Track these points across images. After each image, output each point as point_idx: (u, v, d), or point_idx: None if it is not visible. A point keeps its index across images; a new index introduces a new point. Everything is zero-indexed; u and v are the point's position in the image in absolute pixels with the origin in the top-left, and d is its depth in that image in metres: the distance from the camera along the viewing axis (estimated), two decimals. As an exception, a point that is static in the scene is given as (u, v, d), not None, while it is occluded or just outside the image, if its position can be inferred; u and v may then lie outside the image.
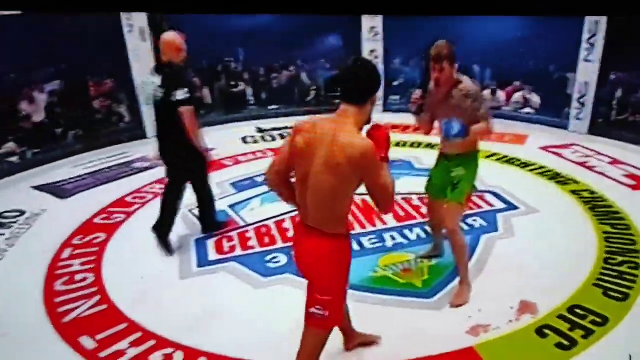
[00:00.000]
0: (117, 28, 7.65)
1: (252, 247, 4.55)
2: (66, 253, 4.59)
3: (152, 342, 3.38)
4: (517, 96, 8.98)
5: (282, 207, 5.22)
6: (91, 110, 8.23)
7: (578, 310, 3.52)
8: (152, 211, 5.35)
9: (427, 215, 4.19)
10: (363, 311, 3.58)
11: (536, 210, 5.07)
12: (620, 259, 4.12)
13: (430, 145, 6.98)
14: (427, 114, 3.66)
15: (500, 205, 5.20)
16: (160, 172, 6.46)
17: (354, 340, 3.26)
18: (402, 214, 5.05)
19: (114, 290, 4.00)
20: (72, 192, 6.02)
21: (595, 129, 7.53)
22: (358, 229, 4.77)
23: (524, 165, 6.38)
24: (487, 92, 9.12)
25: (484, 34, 8.60)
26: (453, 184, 3.58)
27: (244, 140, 7.83)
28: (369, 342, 3.30)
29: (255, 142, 7.78)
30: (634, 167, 6.09)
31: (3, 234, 4.98)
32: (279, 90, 9.97)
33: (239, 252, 4.49)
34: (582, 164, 6.32)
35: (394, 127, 8.28)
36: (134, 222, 5.20)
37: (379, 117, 8.83)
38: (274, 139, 7.87)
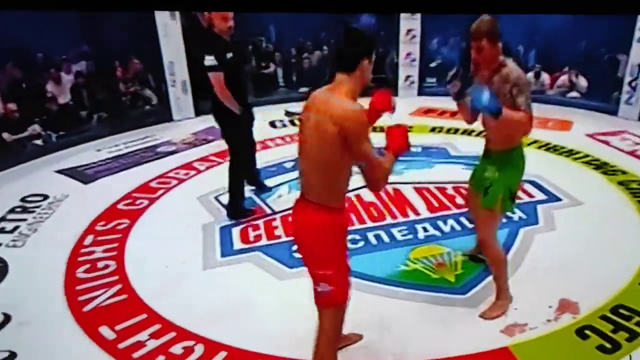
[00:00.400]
0: (145, 6, 7.67)
1: (278, 237, 4.54)
2: (88, 239, 4.65)
3: (172, 334, 3.40)
4: (563, 79, 8.79)
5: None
6: (117, 92, 8.30)
7: (622, 311, 3.42)
8: (177, 197, 5.42)
9: (467, 207, 4.04)
10: (393, 306, 3.56)
11: (580, 202, 4.94)
12: (670, 256, 3.99)
13: (467, 132, 6.88)
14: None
15: (541, 196, 5.09)
16: (186, 157, 6.57)
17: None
18: (435, 204, 4.98)
19: (136, 279, 4.03)
20: (96, 177, 6.10)
21: (647, 115, 7.33)
22: (389, 219, 4.73)
23: (568, 153, 6.23)
24: (530, 75, 8.93)
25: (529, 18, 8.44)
26: (485, 188, 3.28)
27: (273, 124, 7.81)
28: (351, 342, 3.26)
29: (284, 126, 7.76)
30: (688, 156, 5.90)
31: (25, 219, 5.07)
32: (309, 72, 9.91)
33: (264, 241, 4.49)
34: (631, 153, 6.15)
35: (430, 111, 8.20)
36: (158, 208, 5.24)
37: (415, 100, 8.82)
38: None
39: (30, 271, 4.23)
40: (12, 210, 5.24)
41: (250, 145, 5.15)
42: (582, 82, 8.59)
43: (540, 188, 5.23)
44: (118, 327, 3.48)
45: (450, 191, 5.20)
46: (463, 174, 5.56)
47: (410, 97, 9.22)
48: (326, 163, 2.43)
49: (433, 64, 9.82)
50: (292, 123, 7.80)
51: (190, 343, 3.32)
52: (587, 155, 6.09)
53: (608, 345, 3.14)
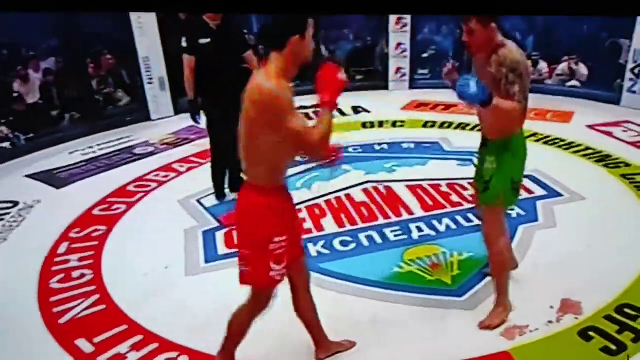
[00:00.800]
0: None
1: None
2: (62, 248, 4.65)
3: (154, 345, 3.42)
4: (562, 67, 8.85)
5: (298, 196, 5.25)
6: (90, 90, 8.27)
7: (628, 310, 3.46)
8: (157, 201, 5.43)
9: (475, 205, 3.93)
10: (387, 310, 3.59)
11: (581, 197, 5.01)
12: (676, 251, 4.06)
13: (462, 126, 6.94)
14: None
15: (540, 191, 5.15)
16: (165, 158, 6.58)
17: (327, 350, 3.24)
18: (430, 202, 5.03)
19: (114, 289, 4.03)
20: (69, 181, 6.10)
21: (651, 104, 7.41)
22: (381, 220, 4.77)
23: (568, 146, 6.31)
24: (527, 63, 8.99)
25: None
26: (485, 182, 3.25)
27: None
28: (344, 349, 3.30)
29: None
30: (694, 147, 5.98)
31: (-6, 227, 5.07)
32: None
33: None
34: (634, 144, 6.24)
35: (422, 104, 8.25)
36: (136, 214, 5.25)
37: (406, 93, 8.87)
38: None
39: (0, 283, 4.23)
40: (-21, 219, 5.24)
41: (221, 147, 5.05)
42: (583, 69, 8.67)
43: (540, 183, 5.29)
44: (97, 340, 3.48)
45: (444, 188, 5.25)
46: (458, 170, 5.67)
47: (402, 90, 9.27)
48: (250, 142, 2.55)
49: (425, 55, 9.87)
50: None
51: (173, 354, 3.34)
52: (588, 148, 6.16)
53: (613, 347, 3.18)
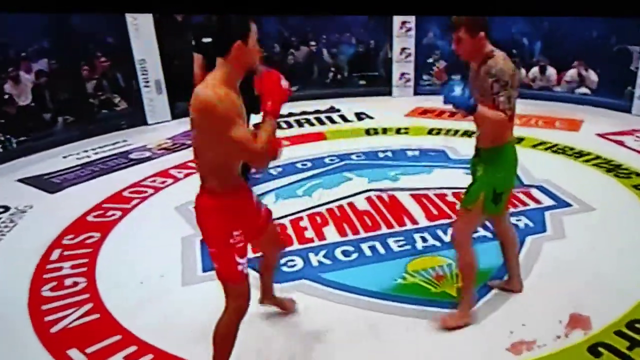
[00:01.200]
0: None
1: (264, 249, 4.57)
2: (55, 254, 4.65)
3: (149, 356, 3.42)
4: (571, 73, 8.87)
5: (299, 203, 5.28)
6: (84, 93, 8.29)
7: (639, 326, 3.47)
8: (153, 207, 5.44)
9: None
10: (389, 323, 3.59)
11: (591, 207, 5.02)
12: (688, 265, 4.07)
13: (468, 134, 6.95)
14: None
15: (549, 201, 5.16)
16: (162, 163, 6.59)
17: (269, 299, 3.65)
18: (434, 211, 5.04)
19: (108, 297, 4.03)
20: (62, 186, 6.11)
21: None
22: (384, 229, 4.78)
23: (578, 155, 6.32)
24: (535, 70, 9.04)
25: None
26: (469, 185, 3.38)
27: (254, 126, 7.84)
28: (284, 307, 3.70)
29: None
30: None
31: (-16, 233, 5.08)
32: (295, 69, 9.96)
33: (249, 254, 4.50)
34: (646, 154, 6.24)
35: (427, 111, 8.27)
36: (132, 220, 5.26)
37: (411, 100, 8.89)
38: (290, 126, 7.89)
39: (-10, 291, 4.24)
40: (-32, 224, 5.25)
41: None
42: (592, 76, 8.69)
43: (548, 193, 5.30)
44: (89, 350, 3.48)
45: (450, 198, 5.26)
46: (464, 179, 5.57)
47: (406, 96, 9.31)
48: (198, 149, 2.74)
49: (430, 60, 9.90)
50: (279, 126, 7.84)
51: (169, 366, 3.35)
52: (598, 157, 6.18)
53: (623, 363, 3.19)
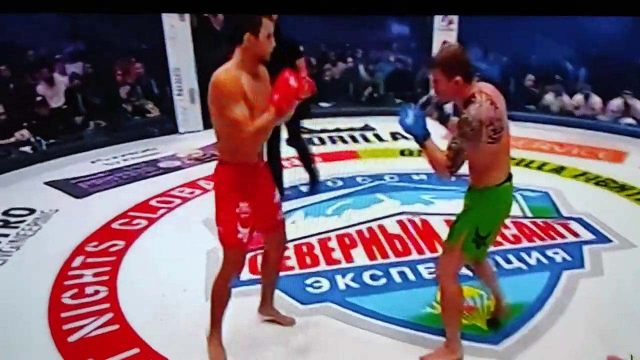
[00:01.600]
0: (151, 5, 7.81)
1: (290, 268, 4.55)
2: (77, 261, 4.70)
3: (167, 372, 3.42)
4: (617, 103, 8.75)
5: (328, 222, 5.25)
6: (117, 98, 8.40)
7: (678, 371, 3.37)
8: (180, 218, 5.46)
9: None
10: (416, 354, 3.53)
11: (633, 244, 4.91)
12: None
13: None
14: None
15: (588, 236, 5.06)
16: (191, 173, 6.62)
17: (267, 311, 3.88)
18: (468, 239, 4.97)
19: (129, 308, 4.05)
20: (89, 191, 6.18)
21: None
22: (415, 255, 4.73)
23: (621, 188, 6.21)
24: (579, 97, 8.94)
25: (579, 25, 8.45)
26: (453, 222, 3.37)
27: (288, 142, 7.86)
28: (281, 322, 3.86)
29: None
30: None
31: (7, 235, 5.15)
32: (331, 85, 9.98)
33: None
34: (694, 190, 6.11)
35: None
36: (157, 230, 5.30)
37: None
38: (323, 142, 7.89)
39: (10, 294, 4.29)
40: (-8, 225, 5.32)
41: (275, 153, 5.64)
42: (639, 106, 8.55)
43: (588, 227, 5.20)
44: (106, 362, 3.49)
45: (485, 225, 5.18)
46: (501, 206, 5.59)
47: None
48: (214, 121, 3.10)
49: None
50: (311, 142, 7.84)
51: (186, 383, 3.34)
52: (642, 191, 6.07)
53: (661, 411, 3.11)
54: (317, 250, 4.82)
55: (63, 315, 3.97)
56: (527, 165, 6.93)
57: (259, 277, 4.36)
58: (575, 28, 8.83)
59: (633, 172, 6.70)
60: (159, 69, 8.36)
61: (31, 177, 6.59)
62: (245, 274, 4.46)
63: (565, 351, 3.54)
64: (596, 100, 8.93)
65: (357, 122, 8.87)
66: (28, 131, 7.39)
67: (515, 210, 5.47)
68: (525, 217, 5.46)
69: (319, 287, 4.29)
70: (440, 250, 4.72)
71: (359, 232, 5.12)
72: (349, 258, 4.69)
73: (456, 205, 5.57)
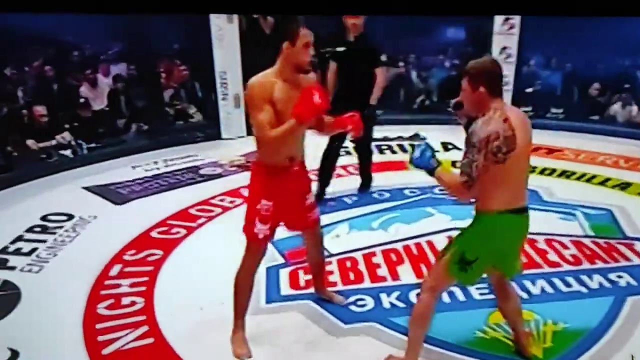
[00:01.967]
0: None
1: (333, 284, 4.53)
2: (115, 270, 4.76)
3: (201, 390, 3.42)
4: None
5: (373, 237, 5.21)
6: (161, 101, 8.49)
7: None
8: (220, 228, 5.48)
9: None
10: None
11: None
12: None
13: (566, 174, 6.76)
14: None
15: (656, 258, 4.91)
16: (233, 182, 6.65)
17: (321, 292, 4.28)
18: (523, 259, 4.85)
19: (166, 321, 4.07)
20: (129, 198, 6.28)
21: None
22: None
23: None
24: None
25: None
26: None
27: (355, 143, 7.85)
28: (333, 300, 4.24)
29: (348, 153, 7.77)
30: None
31: (45, 241, 5.25)
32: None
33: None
34: None
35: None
36: (197, 240, 5.35)
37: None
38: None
39: (45, 302, 4.35)
40: (30, 230, 5.45)
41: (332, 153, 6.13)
42: None
43: (655, 249, 5.05)
44: (140, 376, 3.52)
45: (541, 244, 5.09)
46: (559, 224, 5.50)
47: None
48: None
49: (529, 90, 9.69)
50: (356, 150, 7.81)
51: (221, 402, 3.33)
52: None
53: None
54: (362, 266, 4.78)
55: (98, 326, 4.02)
56: (588, 181, 6.78)
57: (299, 291, 4.40)
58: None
59: None
60: (204, 72, 8.42)
61: (70, 182, 6.71)
62: (286, 289, 4.47)
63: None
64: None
65: (407, 130, 8.80)
66: (69, 134, 7.52)
67: (575, 228, 5.39)
68: (586, 236, 5.32)
69: (363, 306, 4.25)
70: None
71: (406, 248, 5.06)
72: (395, 276, 4.64)
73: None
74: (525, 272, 4.61)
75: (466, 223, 5.41)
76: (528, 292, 4.40)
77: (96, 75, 8.76)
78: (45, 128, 7.41)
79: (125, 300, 4.32)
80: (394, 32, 10.05)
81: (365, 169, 6.54)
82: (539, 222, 5.46)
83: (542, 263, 4.81)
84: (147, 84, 8.51)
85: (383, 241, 5.18)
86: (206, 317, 4.14)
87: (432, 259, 4.83)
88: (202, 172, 7.07)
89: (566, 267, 4.74)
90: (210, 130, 8.34)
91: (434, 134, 8.58)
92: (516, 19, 8.96)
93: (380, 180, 6.68)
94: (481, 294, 4.35)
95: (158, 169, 7.16)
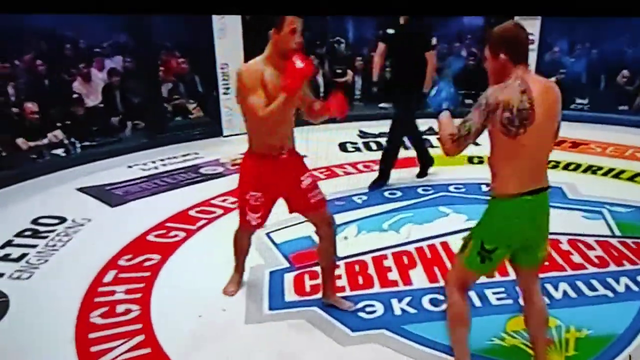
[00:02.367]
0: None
1: (341, 289, 4.51)
2: (109, 276, 4.76)
3: (201, 403, 3.43)
4: None
5: (384, 239, 5.20)
6: (158, 97, 8.47)
7: None
8: (220, 231, 5.47)
9: None
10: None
11: None
12: None
13: (592, 169, 6.72)
14: None
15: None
16: (234, 181, 6.62)
17: (328, 297, 4.29)
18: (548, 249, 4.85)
19: (162, 330, 4.07)
20: (124, 199, 6.30)
21: None
22: (482, 278, 4.62)
23: None
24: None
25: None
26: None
27: (343, 147, 7.84)
28: (341, 305, 4.25)
29: (357, 149, 7.78)
30: None
31: (36, 245, 5.26)
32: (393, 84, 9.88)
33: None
34: None
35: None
36: (196, 243, 5.35)
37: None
38: (380, 147, 7.83)
39: (36, 310, 4.35)
40: (20, 234, 5.47)
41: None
42: None
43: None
44: (136, 389, 3.53)
45: (564, 245, 5.08)
46: (583, 224, 5.48)
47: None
48: (242, 114, 3.78)
49: (553, 79, 9.64)
50: (368, 147, 7.80)
51: (222, 416, 3.34)
52: None
53: None
54: (371, 270, 4.78)
55: (91, 335, 4.02)
56: (616, 176, 6.76)
57: (304, 297, 4.40)
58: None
59: None
60: (205, 65, 8.41)
61: (63, 183, 6.73)
62: (291, 295, 4.47)
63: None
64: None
65: (421, 125, 8.77)
66: (61, 132, 7.52)
67: (601, 228, 5.36)
68: (614, 236, 5.30)
69: (373, 312, 4.24)
70: (511, 273, 4.66)
71: (419, 250, 5.06)
72: (406, 280, 4.64)
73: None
74: (547, 274, 4.63)
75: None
76: (549, 296, 4.38)
77: (90, 69, 8.76)
78: (37, 126, 7.41)
79: (120, 308, 4.32)
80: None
81: (421, 151, 7.01)
82: (562, 221, 5.47)
83: (565, 265, 4.79)
84: (144, 78, 8.47)
85: (394, 243, 5.18)
86: (205, 324, 4.15)
87: (446, 261, 4.83)
88: (202, 171, 7.08)
89: (591, 269, 4.72)
90: (211, 127, 8.33)
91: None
92: (537, 4, 8.91)
93: (391, 177, 6.67)
94: (498, 299, 4.35)
95: (156, 168, 7.18)
